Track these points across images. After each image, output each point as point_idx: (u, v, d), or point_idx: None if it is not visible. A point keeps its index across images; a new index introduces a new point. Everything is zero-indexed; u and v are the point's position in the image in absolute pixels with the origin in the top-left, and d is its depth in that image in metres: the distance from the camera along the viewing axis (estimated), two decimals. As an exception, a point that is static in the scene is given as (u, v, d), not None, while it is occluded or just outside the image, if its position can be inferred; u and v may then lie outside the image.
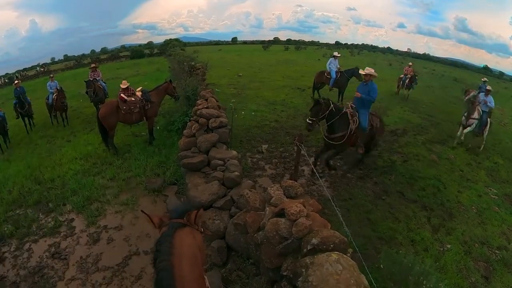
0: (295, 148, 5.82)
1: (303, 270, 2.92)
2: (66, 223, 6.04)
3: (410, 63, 17.34)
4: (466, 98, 10.72)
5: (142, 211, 2.14)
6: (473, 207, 7.03)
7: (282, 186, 4.45)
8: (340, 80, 13.75)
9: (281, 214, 3.78)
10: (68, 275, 4.82)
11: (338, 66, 14.00)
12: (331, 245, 3.14)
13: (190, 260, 1.75)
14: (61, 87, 12.90)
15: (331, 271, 2.65)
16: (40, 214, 6.40)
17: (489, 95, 10.85)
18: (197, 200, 5.37)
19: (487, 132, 10.70)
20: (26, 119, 12.86)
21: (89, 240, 5.54)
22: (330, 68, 13.89)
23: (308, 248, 3.18)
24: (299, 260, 3.25)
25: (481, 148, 10.73)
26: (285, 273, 3.38)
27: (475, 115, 10.43)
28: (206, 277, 2.00)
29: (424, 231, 6.01)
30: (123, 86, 8.97)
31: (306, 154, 6.14)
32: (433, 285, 3.63)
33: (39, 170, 8.37)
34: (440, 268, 5.12)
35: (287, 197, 4.23)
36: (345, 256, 2.96)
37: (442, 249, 5.62)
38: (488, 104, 10.69)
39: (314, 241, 3.16)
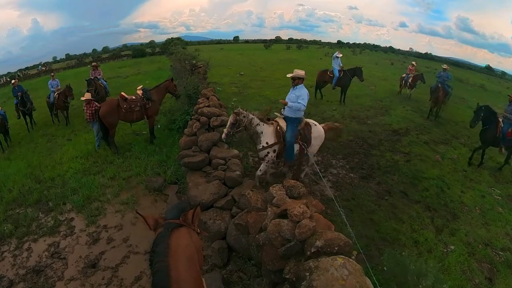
0: (298, 147, 5.74)
1: (307, 274, 2.83)
2: (66, 222, 6.01)
3: (414, 62, 17.21)
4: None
5: (137, 212, 2.09)
6: (476, 208, 6.97)
7: (285, 186, 4.38)
8: (343, 79, 13.70)
9: (283, 215, 3.70)
10: (67, 275, 4.78)
11: (341, 65, 13.94)
12: (336, 248, 3.06)
13: (187, 261, 1.70)
14: (69, 85, 12.87)
15: (337, 276, 2.57)
16: (40, 213, 6.37)
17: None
18: (198, 200, 5.31)
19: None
20: (27, 117, 12.80)
21: (88, 239, 5.50)
22: (333, 66, 13.85)
23: (312, 251, 3.10)
24: (302, 263, 3.17)
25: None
26: (287, 276, 3.30)
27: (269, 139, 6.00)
28: (203, 279, 1.95)
29: (428, 232, 5.95)
30: (85, 98, 8.81)
31: (309, 153, 6.06)
32: (437, 288, 3.58)
33: (40, 169, 8.34)
34: (444, 269, 5.06)
35: (289, 197, 4.15)
36: (351, 260, 2.88)
37: (445, 250, 5.57)
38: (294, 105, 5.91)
39: (318, 243, 3.08)
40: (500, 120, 8.93)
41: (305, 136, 6.02)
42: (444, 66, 13.91)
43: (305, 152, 6.06)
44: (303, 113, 6.04)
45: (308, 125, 6.16)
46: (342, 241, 3.14)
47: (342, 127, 7.12)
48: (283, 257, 3.57)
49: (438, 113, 13.33)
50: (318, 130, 6.23)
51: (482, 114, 9.05)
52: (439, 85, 12.89)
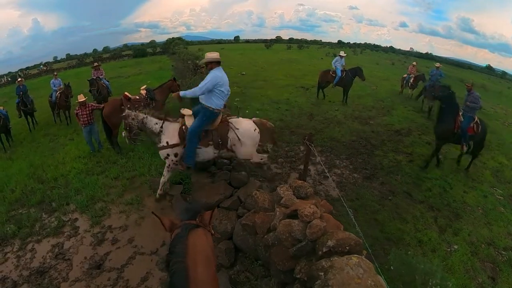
0: (304, 147, 5.71)
1: (321, 273, 2.84)
2: (69, 223, 5.96)
3: (414, 63, 17.24)
4: None
5: (153, 213, 2.09)
6: (479, 208, 6.99)
7: (292, 186, 4.38)
8: (345, 79, 13.73)
9: (292, 215, 3.71)
10: (72, 276, 4.73)
11: (344, 64, 13.98)
12: (347, 247, 3.07)
13: (205, 262, 1.71)
14: (68, 83, 12.86)
15: (352, 275, 2.58)
16: (43, 213, 6.33)
17: None
18: (204, 200, 5.31)
19: None
20: (28, 117, 12.81)
21: (93, 240, 5.46)
22: (335, 66, 13.88)
23: (324, 251, 3.11)
24: (314, 263, 3.18)
25: None
26: (298, 276, 3.30)
27: None
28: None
29: (431, 231, 5.98)
30: (80, 100, 8.41)
31: (316, 154, 6.06)
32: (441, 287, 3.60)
33: (42, 169, 8.31)
34: (448, 269, 5.09)
35: (297, 198, 4.15)
36: (364, 259, 2.89)
37: (449, 249, 5.59)
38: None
39: (330, 243, 3.09)
40: (460, 114, 8.03)
41: (219, 137, 5.23)
42: (437, 64, 14.27)
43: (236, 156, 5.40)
44: (215, 108, 5.12)
45: (226, 123, 5.36)
46: (353, 240, 3.16)
47: (273, 128, 6.19)
48: (293, 257, 3.57)
49: (431, 109, 13.43)
50: (245, 126, 5.39)
51: (441, 94, 7.88)
52: (434, 83, 13.01)
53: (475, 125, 8.06)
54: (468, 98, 8.29)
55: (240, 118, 5.57)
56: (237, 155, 5.53)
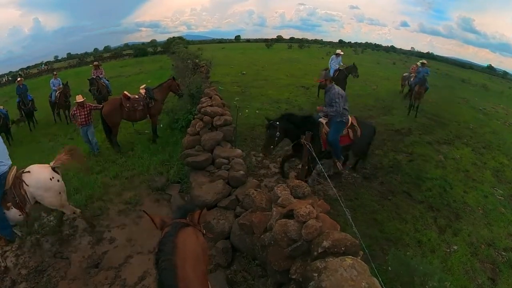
0: (303, 146, 5.65)
1: (315, 274, 2.82)
2: (68, 222, 5.97)
3: (418, 62, 17.23)
4: None
5: (144, 211, 2.09)
6: (479, 208, 6.94)
7: (289, 185, 4.36)
8: (337, 78, 13.67)
9: (289, 215, 3.69)
10: (70, 275, 4.74)
11: (341, 63, 13.94)
12: (343, 248, 3.05)
13: (193, 260, 1.71)
14: (66, 82, 12.88)
15: (346, 277, 2.56)
16: (42, 212, 6.31)
17: None
18: (202, 200, 5.30)
19: None
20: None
21: (91, 239, 5.47)
22: (330, 65, 13.86)
23: (319, 251, 3.09)
24: (309, 263, 3.16)
25: None
26: (293, 277, 3.29)
27: None
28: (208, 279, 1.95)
29: (431, 232, 5.93)
30: (78, 100, 8.20)
31: (314, 153, 6.03)
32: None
33: (42, 168, 8.29)
34: (447, 269, 5.05)
35: (294, 197, 4.14)
36: (359, 260, 2.87)
37: (448, 250, 5.55)
38: None
39: (325, 244, 3.07)
40: (323, 122, 6.15)
41: (16, 197, 4.59)
42: (423, 61, 14.09)
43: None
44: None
45: (19, 180, 4.71)
46: (349, 241, 3.13)
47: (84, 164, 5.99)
48: (289, 257, 3.55)
49: (417, 108, 13.31)
50: (36, 178, 4.76)
51: (278, 133, 5.85)
52: (420, 81, 12.96)
53: (350, 130, 6.27)
54: (326, 98, 6.16)
55: (34, 168, 4.89)
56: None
